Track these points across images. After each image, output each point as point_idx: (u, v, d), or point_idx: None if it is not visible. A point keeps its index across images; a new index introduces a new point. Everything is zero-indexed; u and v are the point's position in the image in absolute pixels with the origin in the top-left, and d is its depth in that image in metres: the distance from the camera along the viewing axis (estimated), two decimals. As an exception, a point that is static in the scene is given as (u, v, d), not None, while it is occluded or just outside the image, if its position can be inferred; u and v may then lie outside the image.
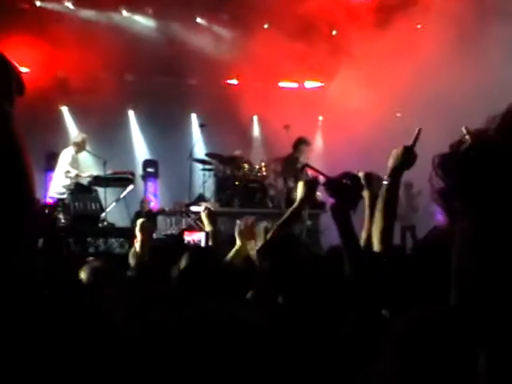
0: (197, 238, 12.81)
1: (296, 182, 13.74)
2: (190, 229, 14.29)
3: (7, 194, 1.76)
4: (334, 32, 17.56)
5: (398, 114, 16.63)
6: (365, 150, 14.66)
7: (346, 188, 3.48)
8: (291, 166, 14.51)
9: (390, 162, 3.86)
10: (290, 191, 14.18)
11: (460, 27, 14.34)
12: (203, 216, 6.43)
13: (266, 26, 17.29)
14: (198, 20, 18.02)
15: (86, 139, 14.85)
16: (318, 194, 14.44)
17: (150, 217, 14.69)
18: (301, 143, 14.80)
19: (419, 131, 3.91)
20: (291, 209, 5.03)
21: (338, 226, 3.44)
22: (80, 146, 14.65)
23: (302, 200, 4.95)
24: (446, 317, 1.90)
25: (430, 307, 2.12)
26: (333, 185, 3.52)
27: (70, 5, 17.05)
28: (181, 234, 13.20)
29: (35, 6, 16.90)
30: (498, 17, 14.52)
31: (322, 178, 3.66)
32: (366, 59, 15.56)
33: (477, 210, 1.75)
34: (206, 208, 6.58)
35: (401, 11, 15.57)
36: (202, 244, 12.42)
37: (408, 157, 3.89)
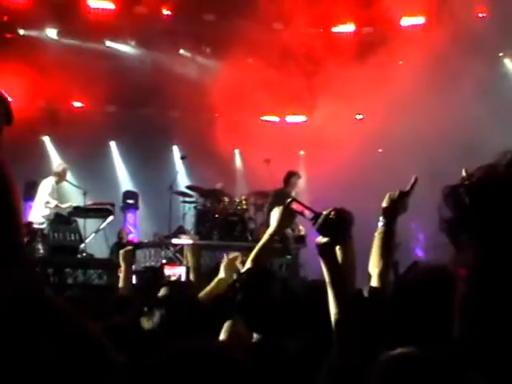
0: (177, 272, 12.79)
1: None
2: (170, 261, 14.26)
3: None
4: (316, 65, 17.65)
5: (380, 150, 16.73)
6: (347, 185, 14.72)
7: (333, 224, 3.45)
8: (281, 199, 14.46)
9: (384, 204, 3.91)
10: None
11: (438, 63, 14.51)
12: (187, 250, 6.36)
13: (249, 60, 17.36)
14: (182, 51, 18.09)
15: (66, 169, 14.82)
16: (301, 228, 14.51)
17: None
18: (291, 176, 14.78)
19: (416, 179, 3.92)
20: (263, 238, 4.78)
21: (325, 263, 3.42)
22: (61, 176, 14.60)
23: (275, 228, 4.67)
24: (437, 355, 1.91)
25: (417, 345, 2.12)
26: (321, 220, 3.50)
27: (53, 35, 17.06)
28: (161, 268, 13.16)
29: (18, 34, 16.90)
30: (475, 55, 14.70)
31: (308, 213, 3.64)
32: (347, 93, 15.64)
33: (484, 243, 1.78)
34: (191, 243, 6.55)
35: (381, 46, 15.71)
36: (183, 278, 12.40)
37: (404, 202, 3.95)
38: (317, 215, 3.48)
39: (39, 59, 16.10)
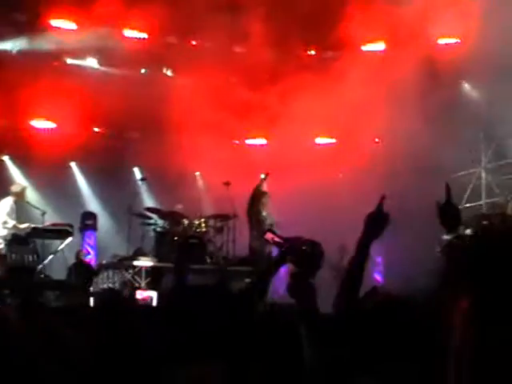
0: (148, 295, 12.76)
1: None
2: (128, 283, 14.23)
3: None
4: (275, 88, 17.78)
5: (340, 175, 16.87)
6: (308, 206, 14.85)
7: (305, 255, 3.51)
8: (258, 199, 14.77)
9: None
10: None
11: (398, 87, 14.67)
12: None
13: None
14: (143, 71, 18.13)
15: (25, 189, 14.69)
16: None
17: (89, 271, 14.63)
18: (262, 196, 14.95)
19: (383, 197, 3.89)
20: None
21: (295, 291, 3.46)
22: (19, 196, 14.46)
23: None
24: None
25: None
26: (294, 252, 3.55)
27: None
28: (120, 290, 13.04)
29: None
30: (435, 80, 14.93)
31: (282, 244, 3.68)
32: (306, 117, 15.77)
33: (479, 290, 1.86)
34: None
35: (342, 70, 15.84)
36: (154, 303, 12.38)
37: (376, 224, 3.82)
38: (290, 246, 3.55)
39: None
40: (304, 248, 3.50)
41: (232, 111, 16.54)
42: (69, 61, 17.76)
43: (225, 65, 16.70)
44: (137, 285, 14.24)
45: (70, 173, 19.22)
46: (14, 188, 14.68)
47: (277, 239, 3.76)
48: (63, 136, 17.63)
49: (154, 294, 12.76)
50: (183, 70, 17.42)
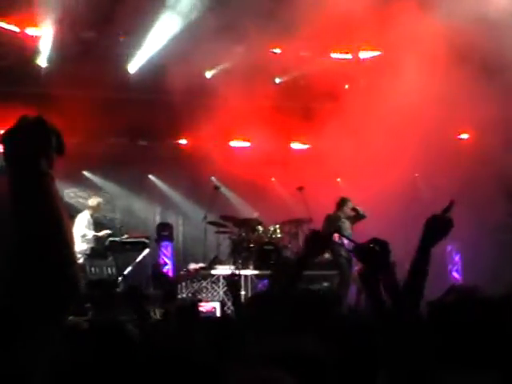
0: (211, 306, 12.78)
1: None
2: (204, 292, 14.28)
3: (49, 268, 1.75)
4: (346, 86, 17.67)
5: (416, 174, 16.69)
6: (384, 212, 14.70)
7: (374, 254, 3.50)
8: (333, 224, 14.45)
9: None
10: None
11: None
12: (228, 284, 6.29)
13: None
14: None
15: (100, 203, 14.97)
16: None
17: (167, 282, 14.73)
18: (344, 203, 14.75)
19: (452, 202, 3.83)
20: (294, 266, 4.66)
21: (367, 292, 3.46)
22: (95, 210, 14.75)
23: (304, 256, 4.54)
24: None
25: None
26: (361, 251, 3.55)
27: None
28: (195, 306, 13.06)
29: None
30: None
31: (347, 243, 3.73)
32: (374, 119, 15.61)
33: None
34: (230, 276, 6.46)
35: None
36: (218, 313, 12.39)
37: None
38: (357, 246, 3.54)
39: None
40: (371, 246, 3.48)
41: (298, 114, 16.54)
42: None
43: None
44: (215, 293, 14.33)
45: (148, 183, 19.40)
46: (91, 202, 15.01)
47: (342, 239, 3.80)
48: (138, 149, 17.90)
49: (217, 305, 12.77)
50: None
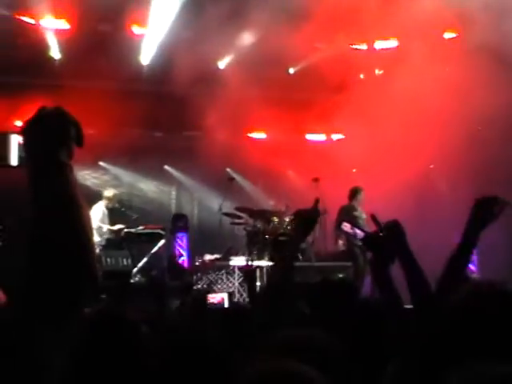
0: (219, 298, 12.76)
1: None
2: (219, 283, 14.28)
3: (68, 256, 1.76)
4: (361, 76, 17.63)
5: (431, 166, 16.62)
6: (399, 203, 14.65)
7: (383, 241, 3.46)
8: (347, 214, 14.42)
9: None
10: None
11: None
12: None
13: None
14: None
15: (116, 195, 14.99)
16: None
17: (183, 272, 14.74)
18: (357, 192, 14.72)
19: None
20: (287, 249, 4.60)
21: (376, 280, 3.44)
22: (110, 201, 14.77)
23: (295, 237, 4.57)
24: None
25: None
26: (370, 239, 3.52)
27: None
28: (204, 298, 13.08)
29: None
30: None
31: (360, 233, 3.72)
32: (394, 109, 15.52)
33: None
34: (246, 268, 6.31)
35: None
36: (226, 304, 12.38)
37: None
38: (367, 235, 3.51)
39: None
40: (380, 233, 3.45)
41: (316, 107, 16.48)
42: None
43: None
44: (230, 284, 14.33)
45: (164, 175, 19.43)
46: (107, 193, 15.03)
47: (355, 229, 3.79)
48: (152, 139, 17.95)
49: (225, 296, 12.76)
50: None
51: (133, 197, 17.74)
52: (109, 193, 15.05)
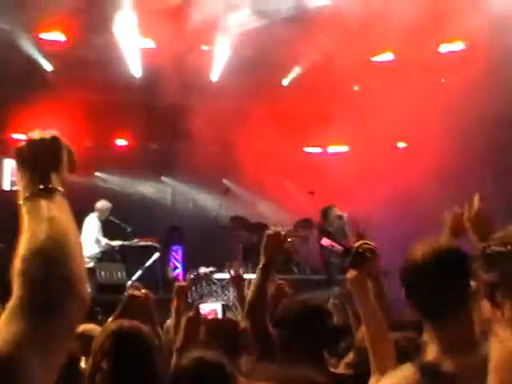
0: (213, 308, 12.67)
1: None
2: (211, 296, 14.22)
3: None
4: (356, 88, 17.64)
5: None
6: (393, 211, 14.67)
7: (363, 258, 3.50)
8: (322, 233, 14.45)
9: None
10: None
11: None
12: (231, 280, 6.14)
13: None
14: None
15: (108, 207, 14.85)
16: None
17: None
18: (328, 210, 14.73)
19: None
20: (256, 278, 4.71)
21: (355, 296, 3.47)
22: (102, 213, 14.65)
23: (262, 261, 4.66)
24: None
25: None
26: (350, 255, 3.56)
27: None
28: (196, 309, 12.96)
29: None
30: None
31: (339, 248, 3.77)
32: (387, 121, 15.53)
33: None
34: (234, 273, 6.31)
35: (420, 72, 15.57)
36: (219, 315, 12.33)
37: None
38: (347, 250, 3.56)
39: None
40: (360, 250, 3.49)
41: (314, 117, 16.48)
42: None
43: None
44: (225, 298, 14.28)
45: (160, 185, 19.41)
46: (99, 204, 14.81)
47: (334, 244, 3.81)
48: (147, 152, 17.97)
49: (218, 307, 12.71)
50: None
51: (128, 208, 17.65)
52: (101, 204, 14.89)
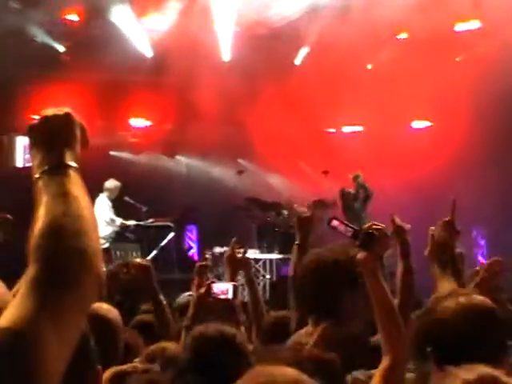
0: (225, 288, 12.68)
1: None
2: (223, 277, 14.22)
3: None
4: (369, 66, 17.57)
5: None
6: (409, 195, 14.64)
7: (372, 239, 3.48)
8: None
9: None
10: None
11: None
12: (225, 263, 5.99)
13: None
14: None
15: (118, 186, 14.71)
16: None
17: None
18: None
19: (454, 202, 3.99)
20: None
21: (366, 277, 3.45)
22: (113, 192, 14.52)
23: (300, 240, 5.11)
24: None
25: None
26: (360, 236, 3.54)
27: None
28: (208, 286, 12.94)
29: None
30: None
31: (349, 230, 3.72)
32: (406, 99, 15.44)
33: None
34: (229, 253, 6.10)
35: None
36: (230, 295, 12.33)
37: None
38: (356, 232, 3.54)
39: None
40: (370, 231, 3.47)
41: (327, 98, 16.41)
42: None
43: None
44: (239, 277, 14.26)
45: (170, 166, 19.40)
46: (108, 184, 14.65)
47: (344, 226, 3.77)
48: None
49: (229, 286, 12.67)
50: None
51: (142, 188, 17.64)
52: (110, 183, 14.71)
